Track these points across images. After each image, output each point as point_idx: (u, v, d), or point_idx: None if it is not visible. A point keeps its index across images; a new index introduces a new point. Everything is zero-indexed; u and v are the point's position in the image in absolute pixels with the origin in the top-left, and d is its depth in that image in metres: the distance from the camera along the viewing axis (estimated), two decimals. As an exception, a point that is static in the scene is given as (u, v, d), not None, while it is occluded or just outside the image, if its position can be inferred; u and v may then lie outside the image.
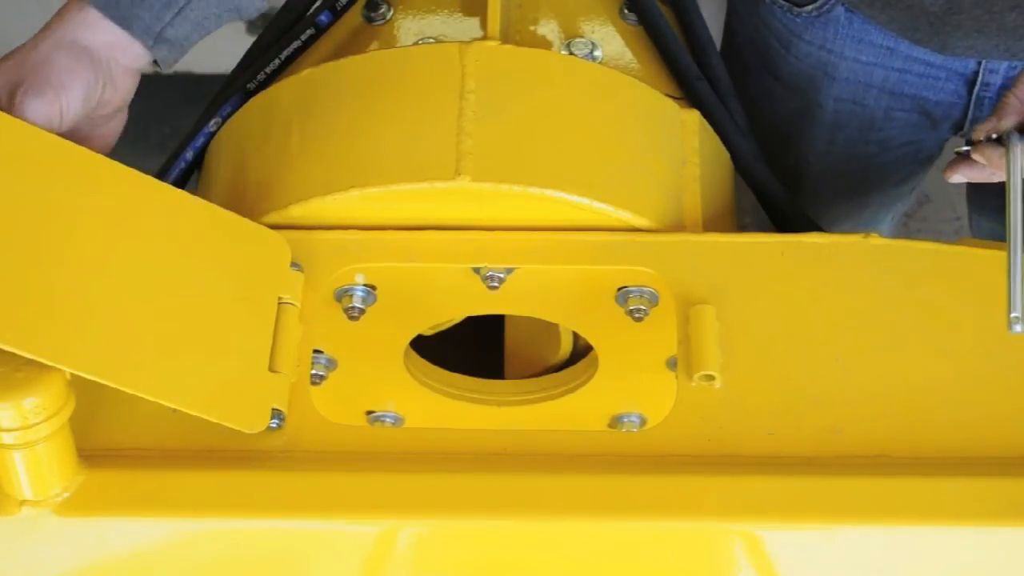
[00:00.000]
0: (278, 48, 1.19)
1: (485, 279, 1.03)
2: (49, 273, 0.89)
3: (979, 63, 1.29)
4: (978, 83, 1.32)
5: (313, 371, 0.97)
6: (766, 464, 0.93)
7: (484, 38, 1.14)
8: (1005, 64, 1.29)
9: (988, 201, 1.43)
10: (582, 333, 1.02)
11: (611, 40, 1.21)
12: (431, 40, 1.18)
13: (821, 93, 1.36)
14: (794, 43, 1.34)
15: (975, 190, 1.45)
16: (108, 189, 0.97)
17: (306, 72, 1.13)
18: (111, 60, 1.03)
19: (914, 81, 1.32)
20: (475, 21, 1.20)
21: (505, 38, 1.15)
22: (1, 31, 2.14)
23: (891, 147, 1.40)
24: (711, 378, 0.95)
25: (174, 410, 0.95)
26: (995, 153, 1.02)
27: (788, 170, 1.41)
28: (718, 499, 0.90)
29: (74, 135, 1.00)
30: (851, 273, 1.02)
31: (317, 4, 1.22)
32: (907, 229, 2.28)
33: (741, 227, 1.20)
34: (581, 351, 1.04)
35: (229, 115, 1.17)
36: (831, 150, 1.41)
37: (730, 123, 1.18)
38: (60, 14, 1.03)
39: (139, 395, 0.89)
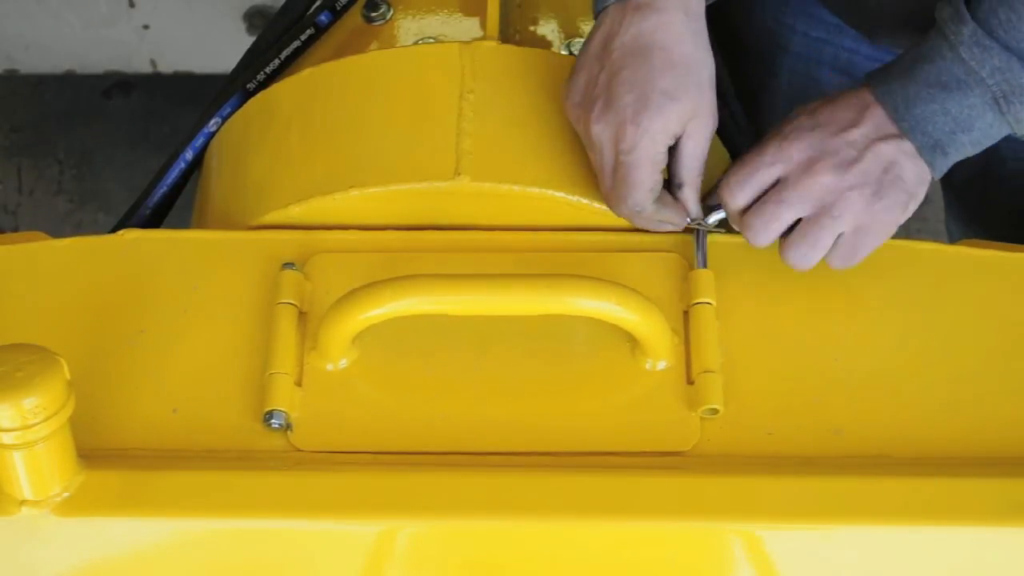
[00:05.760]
0: (278, 48, 1.20)
1: None
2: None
3: None
4: None
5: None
6: (766, 464, 0.93)
7: (484, 38, 1.14)
8: None
9: (971, 217, 1.42)
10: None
11: (611, 40, 1.21)
12: (431, 40, 1.18)
13: (776, 64, 1.35)
14: (752, 11, 1.33)
15: (954, 202, 1.44)
16: None
17: (306, 72, 1.13)
18: None
19: (862, 63, 1.30)
20: (475, 21, 1.20)
21: (505, 38, 1.15)
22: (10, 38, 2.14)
23: None
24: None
25: (174, 410, 0.95)
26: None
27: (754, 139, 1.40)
28: (718, 499, 0.90)
29: None
30: (851, 273, 1.02)
31: (317, 4, 1.22)
32: (907, 229, 2.27)
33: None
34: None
35: (229, 115, 1.17)
36: None
37: (730, 123, 1.18)
38: None
39: None
